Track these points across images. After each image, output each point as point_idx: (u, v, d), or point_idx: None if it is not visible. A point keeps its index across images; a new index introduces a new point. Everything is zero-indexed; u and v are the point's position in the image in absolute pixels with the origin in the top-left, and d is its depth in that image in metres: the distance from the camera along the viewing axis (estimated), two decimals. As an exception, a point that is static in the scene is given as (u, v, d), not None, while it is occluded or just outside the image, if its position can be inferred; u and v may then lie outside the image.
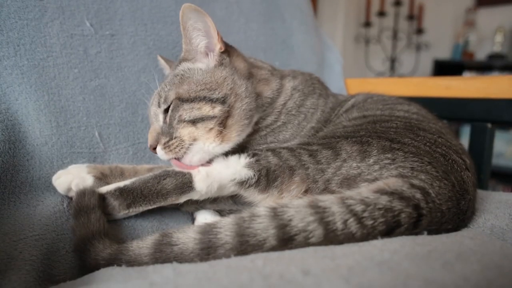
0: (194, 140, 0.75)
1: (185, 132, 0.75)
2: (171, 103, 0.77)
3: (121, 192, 0.71)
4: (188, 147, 0.75)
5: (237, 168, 0.71)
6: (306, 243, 0.53)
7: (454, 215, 0.62)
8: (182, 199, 0.73)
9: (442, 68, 3.58)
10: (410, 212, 0.57)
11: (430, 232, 0.58)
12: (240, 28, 1.26)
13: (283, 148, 0.76)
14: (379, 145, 0.68)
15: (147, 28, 1.02)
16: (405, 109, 0.88)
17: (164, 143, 0.76)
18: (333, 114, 0.92)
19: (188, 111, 0.75)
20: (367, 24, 4.04)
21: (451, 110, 1.25)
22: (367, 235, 0.55)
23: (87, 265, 0.59)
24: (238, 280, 0.42)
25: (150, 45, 1.02)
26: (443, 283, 0.40)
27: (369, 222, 0.55)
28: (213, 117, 0.76)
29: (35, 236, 0.63)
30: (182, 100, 0.76)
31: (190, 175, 0.72)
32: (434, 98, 1.28)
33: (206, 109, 0.75)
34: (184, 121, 0.75)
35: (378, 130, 0.74)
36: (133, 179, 0.73)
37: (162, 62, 0.97)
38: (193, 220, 0.82)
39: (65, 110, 0.83)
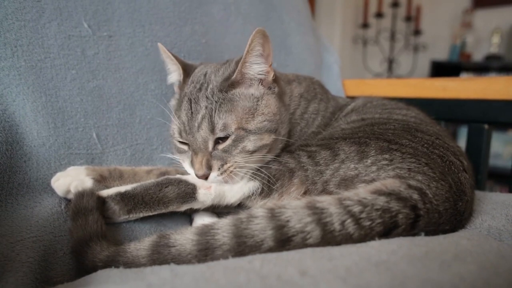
0: (245, 164, 0.74)
1: (242, 160, 0.73)
2: (232, 133, 0.73)
3: (122, 198, 0.71)
4: (239, 170, 0.74)
5: (244, 184, 0.73)
6: (303, 244, 0.53)
7: (451, 216, 0.62)
8: (183, 207, 0.73)
9: (440, 69, 3.59)
10: (407, 213, 0.57)
11: (428, 233, 0.58)
12: (237, 29, 1.26)
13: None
14: (377, 146, 0.68)
15: (145, 29, 1.02)
16: (403, 113, 0.89)
17: (219, 168, 0.72)
18: (333, 118, 0.92)
19: (253, 142, 0.73)
20: (365, 25, 4.05)
21: (448, 111, 1.25)
22: (365, 236, 0.55)
23: (84, 267, 0.59)
24: (236, 281, 0.42)
25: (148, 46, 1.01)
26: (440, 283, 0.40)
27: (367, 223, 0.55)
28: (267, 146, 0.75)
29: (33, 238, 0.63)
30: (247, 131, 0.73)
31: (193, 185, 0.72)
32: (432, 99, 1.28)
33: (266, 139, 0.75)
34: (246, 152, 0.73)
35: (376, 132, 0.74)
36: (134, 185, 0.73)
37: (167, 53, 0.85)
38: (191, 221, 0.82)
39: (63, 111, 0.83)
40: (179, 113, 0.78)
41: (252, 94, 0.77)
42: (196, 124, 0.74)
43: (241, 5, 1.28)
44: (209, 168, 0.72)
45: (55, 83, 0.83)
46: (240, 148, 0.73)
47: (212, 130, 0.73)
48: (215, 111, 0.73)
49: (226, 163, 0.72)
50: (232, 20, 1.25)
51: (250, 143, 0.73)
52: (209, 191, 0.72)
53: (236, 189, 0.73)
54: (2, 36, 0.77)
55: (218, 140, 0.74)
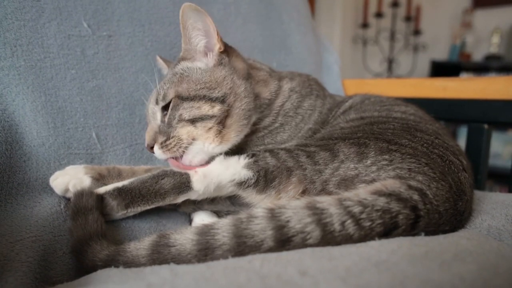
0: (193, 139, 0.75)
1: (183, 131, 0.75)
2: (170, 101, 0.76)
3: (120, 192, 0.71)
4: (187, 146, 0.74)
5: (237, 168, 0.72)
6: (303, 245, 0.53)
7: (451, 216, 0.62)
8: (180, 199, 0.73)
9: (439, 69, 3.59)
10: (407, 214, 0.57)
11: (428, 234, 0.58)
12: (237, 29, 1.26)
13: (281, 149, 0.76)
14: (376, 147, 0.68)
15: (145, 29, 1.02)
16: (402, 110, 0.88)
17: (161, 142, 0.75)
18: (330, 115, 0.92)
19: (188, 110, 0.75)
20: (365, 25, 4.05)
21: (448, 111, 1.25)
22: (365, 237, 0.55)
23: (84, 266, 0.59)
24: (236, 281, 0.42)
25: (148, 46, 1.01)
26: (440, 283, 0.40)
27: (367, 224, 0.55)
28: (212, 116, 0.75)
29: (32, 238, 0.63)
30: (181, 98, 0.76)
31: (187, 175, 0.72)
32: (431, 99, 1.28)
33: (206, 108, 0.75)
34: (183, 120, 0.75)
35: (375, 132, 0.74)
36: (131, 179, 0.73)
37: (160, 62, 0.97)
38: (190, 221, 0.82)
39: (62, 111, 0.83)
40: None
41: (199, 67, 0.80)
42: (149, 99, 0.82)
43: (241, 5, 1.28)
44: (155, 140, 0.76)
45: (54, 83, 0.83)
46: (178, 117, 0.75)
47: (156, 101, 0.78)
48: (162, 85, 0.79)
49: (169, 139, 0.75)
50: (232, 20, 1.25)
51: (185, 111, 0.75)
52: (197, 175, 0.72)
53: (223, 168, 0.73)
54: (2, 35, 0.77)
55: (165, 112, 0.78)
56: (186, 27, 0.78)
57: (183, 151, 0.75)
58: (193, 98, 0.76)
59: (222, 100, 0.77)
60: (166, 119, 0.77)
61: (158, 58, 0.97)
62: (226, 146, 0.78)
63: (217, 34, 0.79)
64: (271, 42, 1.37)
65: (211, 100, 0.76)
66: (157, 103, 0.79)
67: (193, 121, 0.75)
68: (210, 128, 0.75)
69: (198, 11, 0.76)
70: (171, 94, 0.77)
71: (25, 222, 0.65)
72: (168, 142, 0.75)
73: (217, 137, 0.76)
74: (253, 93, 0.83)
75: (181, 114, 0.75)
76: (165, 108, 0.77)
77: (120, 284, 0.47)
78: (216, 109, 0.76)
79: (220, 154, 0.77)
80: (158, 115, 0.79)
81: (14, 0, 0.79)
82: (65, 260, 0.65)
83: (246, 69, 0.86)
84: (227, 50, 0.83)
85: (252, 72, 0.88)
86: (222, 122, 0.76)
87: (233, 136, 0.78)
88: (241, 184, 0.71)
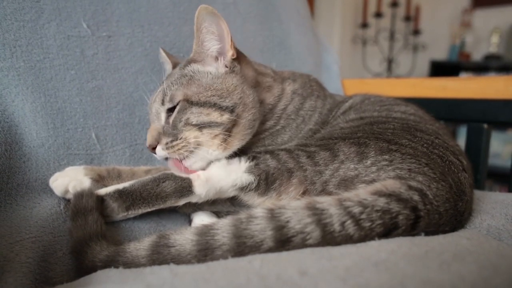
0: (198, 145, 0.74)
1: (190, 135, 0.74)
2: (177, 104, 0.76)
3: (120, 195, 0.71)
4: (192, 150, 0.74)
5: (238, 174, 0.72)
6: (303, 245, 0.53)
7: (451, 217, 0.62)
8: (181, 202, 0.73)
9: (439, 69, 3.59)
10: (408, 214, 0.57)
11: (428, 234, 0.58)
12: (237, 29, 1.26)
13: (281, 150, 0.76)
14: (376, 147, 0.68)
15: (144, 29, 1.02)
16: (402, 110, 0.88)
17: (167, 143, 0.74)
18: (330, 115, 0.92)
19: (196, 115, 0.74)
20: (364, 25, 4.05)
21: (447, 111, 1.25)
22: (365, 237, 0.55)
23: (84, 267, 0.59)
24: (236, 281, 0.42)
25: (147, 47, 1.01)
26: (440, 283, 0.40)
27: (367, 224, 0.55)
28: (220, 124, 0.75)
29: (32, 238, 0.63)
30: (190, 102, 0.75)
31: (189, 179, 0.72)
32: (431, 98, 1.28)
33: (215, 116, 0.75)
34: (190, 124, 0.74)
35: (375, 132, 0.74)
36: (132, 182, 0.73)
37: (163, 55, 0.94)
38: (190, 221, 0.82)
39: (62, 111, 0.83)
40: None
41: (210, 72, 0.80)
42: (153, 98, 0.81)
43: (240, 5, 1.28)
44: (157, 140, 0.76)
45: (54, 84, 0.83)
46: (184, 120, 0.74)
47: (162, 101, 0.77)
48: (169, 85, 0.78)
49: (176, 140, 0.74)
50: (231, 20, 1.25)
51: (193, 116, 0.74)
52: (199, 178, 0.72)
53: (225, 173, 0.73)
54: (1, 36, 0.77)
55: (170, 113, 0.77)
56: (200, 29, 0.77)
57: (188, 155, 0.74)
58: (203, 104, 0.75)
59: (231, 110, 0.76)
60: (171, 121, 0.76)
61: (161, 50, 0.95)
62: (228, 153, 0.77)
63: (231, 40, 0.78)
64: (271, 42, 1.37)
65: (221, 108, 0.75)
66: (163, 103, 0.77)
67: (200, 126, 0.74)
68: (216, 135, 0.75)
69: (214, 14, 0.75)
70: (179, 96, 0.76)
71: (25, 223, 0.65)
72: (174, 143, 0.74)
73: (221, 145, 0.75)
74: (259, 102, 0.83)
75: (188, 118, 0.74)
76: (171, 109, 0.76)
77: (119, 285, 0.47)
78: (225, 117, 0.75)
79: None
80: (163, 115, 0.78)
81: (13, 1, 0.80)
82: (65, 261, 0.65)
83: (255, 77, 0.86)
84: (238, 57, 0.82)
85: (259, 79, 0.87)
86: (228, 130, 0.76)
87: (237, 144, 0.78)
88: (243, 188, 0.71)
